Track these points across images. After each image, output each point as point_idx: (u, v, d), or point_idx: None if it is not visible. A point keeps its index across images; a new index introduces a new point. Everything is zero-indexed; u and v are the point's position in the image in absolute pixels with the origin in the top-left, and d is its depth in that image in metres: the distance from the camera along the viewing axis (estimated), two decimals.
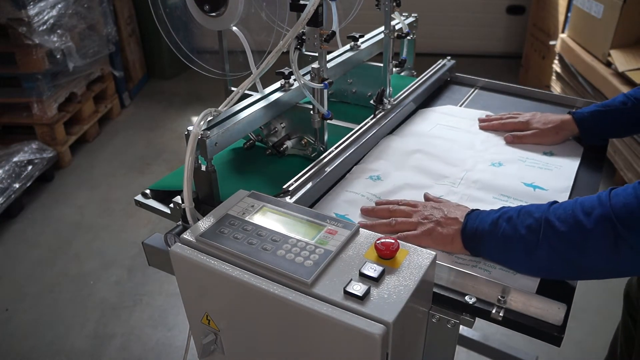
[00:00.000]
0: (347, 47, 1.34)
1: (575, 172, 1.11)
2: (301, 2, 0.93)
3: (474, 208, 0.89)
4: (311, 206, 1.00)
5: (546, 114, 1.26)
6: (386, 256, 0.71)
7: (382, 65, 1.27)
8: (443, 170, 1.12)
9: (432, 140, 1.24)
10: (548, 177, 1.09)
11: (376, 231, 0.79)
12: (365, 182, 1.07)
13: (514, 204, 1.00)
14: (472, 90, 1.55)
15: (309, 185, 0.98)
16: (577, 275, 0.78)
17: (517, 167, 1.13)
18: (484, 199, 1.02)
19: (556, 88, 3.41)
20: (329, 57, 1.23)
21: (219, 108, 0.98)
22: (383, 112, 1.26)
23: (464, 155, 1.18)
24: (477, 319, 0.78)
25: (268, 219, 0.80)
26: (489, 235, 0.81)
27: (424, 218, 0.90)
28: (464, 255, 0.87)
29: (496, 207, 0.86)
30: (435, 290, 0.79)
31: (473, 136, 1.27)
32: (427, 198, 1.00)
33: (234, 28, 1.04)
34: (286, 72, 1.11)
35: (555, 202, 0.80)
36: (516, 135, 1.23)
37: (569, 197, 1.03)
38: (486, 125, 1.29)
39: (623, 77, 2.64)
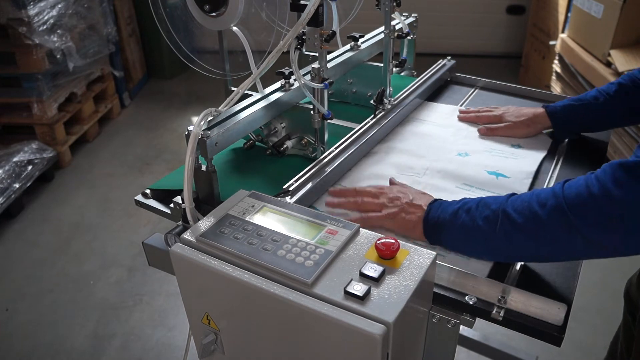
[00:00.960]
0: (347, 47, 1.34)
1: (540, 162, 1.13)
2: (301, 2, 0.93)
3: (437, 198, 0.91)
4: (311, 206, 1.00)
5: (521, 107, 1.28)
6: (386, 256, 0.71)
7: (382, 65, 1.27)
8: (409, 162, 1.14)
9: (404, 134, 1.27)
10: (512, 166, 1.11)
11: (342, 207, 0.83)
12: None
13: (476, 192, 1.02)
14: (472, 90, 1.55)
15: (309, 185, 0.98)
16: (535, 260, 0.82)
17: (483, 157, 1.16)
18: (447, 188, 1.04)
19: (556, 88, 3.41)
20: (329, 57, 1.23)
21: (219, 108, 0.98)
22: (383, 112, 1.26)
23: (433, 147, 1.20)
24: (477, 319, 0.78)
25: (268, 219, 0.80)
26: (449, 225, 0.84)
27: (389, 201, 0.93)
28: (423, 242, 0.89)
29: (459, 196, 0.89)
30: (435, 290, 0.79)
31: (445, 129, 1.29)
32: (392, 182, 1.02)
33: (234, 28, 1.04)
34: (286, 72, 1.11)
35: (513, 194, 0.82)
36: (489, 127, 1.25)
37: (530, 187, 1.05)
38: (463, 116, 1.32)
39: None
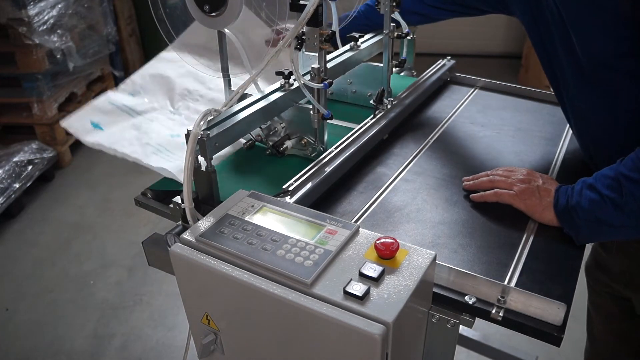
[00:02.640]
0: (347, 47, 1.34)
1: None
2: (301, 2, 0.93)
3: (560, 184, 0.95)
4: (311, 206, 1.00)
5: None
6: (386, 256, 0.71)
7: (382, 65, 1.27)
8: None
9: None
10: None
11: (478, 187, 1.00)
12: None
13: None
14: (472, 90, 1.55)
15: (309, 185, 0.98)
16: None
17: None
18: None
19: None
20: (329, 57, 1.23)
21: (219, 108, 0.98)
22: (383, 112, 1.26)
23: None
24: (476, 319, 0.78)
25: (268, 219, 0.80)
26: (578, 205, 0.87)
27: (520, 181, 0.97)
28: (550, 224, 0.92)
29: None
30: (435, 290, 0.79)
31: None
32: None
33: (227, 30, 1.04)
34: (286, 72, 1.11)
35: (622, 158, 0.84)
36: None
37: None
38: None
39: None
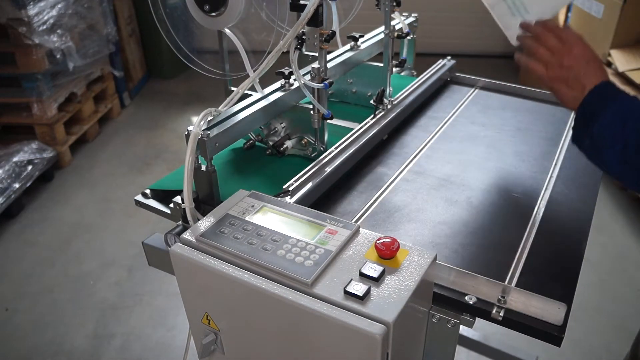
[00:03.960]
0: (347, 47, 1.34)
1: None
2: (301, 2, 0.93)
3: (606, 80, 0.87)
4: (311, 206, 1.00)
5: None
6: (386, 256, 0.71)
7: (382, 65, 1.27)
8: None
9: None
10: None
11: (522, 43, 0.93)
12: None
13: None
14: (472, 90, 1.55)
15: (309, 185, 0.98)
16: None
17: None
18: None
19: None
20: (329, 57, 1.23)
21: (219, 108, 0.98)
22: (383, 112, 1.26)
23: None
24: (477, 319, 0.78)
25: (268, 219, 0.80)
26: (599, 124, 0.81)
27: (559, 65, 0.89)
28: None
29: None
30: (435, 290, 0.79)
31: None
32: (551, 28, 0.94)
33: (227, 30, 1.04)
34: (286, 72, 1.11)
35: None
36: None
37: None
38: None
39: (623, 77, 2.64)
